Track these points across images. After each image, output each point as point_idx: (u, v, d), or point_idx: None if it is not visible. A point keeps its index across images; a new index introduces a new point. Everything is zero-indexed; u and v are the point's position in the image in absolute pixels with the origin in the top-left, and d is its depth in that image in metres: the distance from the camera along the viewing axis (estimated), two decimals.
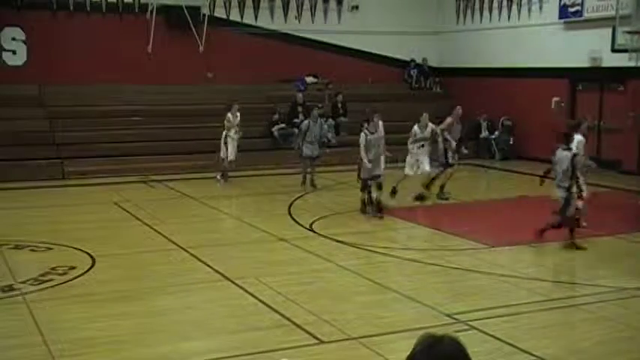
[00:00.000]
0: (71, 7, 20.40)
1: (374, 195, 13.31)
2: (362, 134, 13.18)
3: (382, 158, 13.42)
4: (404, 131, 21.25)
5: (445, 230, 12.07)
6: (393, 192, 14.43)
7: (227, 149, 16.94)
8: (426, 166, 14.43)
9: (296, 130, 20.54)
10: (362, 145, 13.06)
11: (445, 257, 10.45)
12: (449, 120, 15.05)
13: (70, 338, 7.26)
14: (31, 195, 15.66)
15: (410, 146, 14.53)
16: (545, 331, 7.66)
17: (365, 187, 13.36)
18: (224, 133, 17.03)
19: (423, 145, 14.52)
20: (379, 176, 13.26)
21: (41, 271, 9.53)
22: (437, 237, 11.74)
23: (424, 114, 14.71)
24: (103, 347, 7.07)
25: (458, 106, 15.52)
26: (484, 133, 22.06)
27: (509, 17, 22.23)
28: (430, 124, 14.64)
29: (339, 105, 21.59)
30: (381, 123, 13.73)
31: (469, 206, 14.65)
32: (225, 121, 17.12)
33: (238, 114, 17.15)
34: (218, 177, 17.15)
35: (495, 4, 22.70)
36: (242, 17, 22.32)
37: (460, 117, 15.42)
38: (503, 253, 10.96)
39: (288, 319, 7.78)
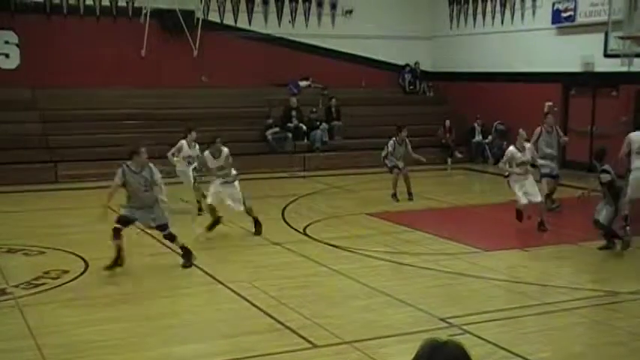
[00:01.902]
0: (65, 11, 20.39)
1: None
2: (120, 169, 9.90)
3: (159, 204, 9.96)
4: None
5: (439, 234, 12.07)
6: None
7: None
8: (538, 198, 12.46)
9: (289, 135, 20.63)
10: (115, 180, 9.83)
11: (439, 261, 10.46)
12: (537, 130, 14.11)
13: (63, 342, 7.24)
14: (24, 198, 15.62)
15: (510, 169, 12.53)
16: (538, 336, 7.68)
17: (116, 231, 9.67)
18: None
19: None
20: (161, 226, 10.01)
21: (34, 275, 9.51)
22: (430, 241, 11.74)
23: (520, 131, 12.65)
24: (96, 351, 7.04)
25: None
26: (477, 138, 22.12)
27: (502, 22, 22.31)
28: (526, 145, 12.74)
29: (333, 109, 21.63)
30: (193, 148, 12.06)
31: (462, 210, 14.67)
32: (170, 153, 13.99)
33: (197, 145, 13.95)
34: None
35: (488, 9, 22.77)
36: (236, 21, 22.33)
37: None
38: (497, 257, 10.98)
39: (281, 323, 7.78)
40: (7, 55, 19.89)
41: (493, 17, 22.64)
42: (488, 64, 22.18)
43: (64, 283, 9.29)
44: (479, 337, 7.31)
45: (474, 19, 23.32)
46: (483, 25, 22.96)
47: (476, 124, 22.18)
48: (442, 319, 7.89)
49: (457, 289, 9.28)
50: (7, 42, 19.85)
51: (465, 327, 7.62)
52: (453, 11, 24.09)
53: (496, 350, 7.05)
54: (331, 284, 9.48)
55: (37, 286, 9.12)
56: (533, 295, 8.99)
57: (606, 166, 10.85)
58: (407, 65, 24.20)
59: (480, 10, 23.08)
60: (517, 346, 7.12)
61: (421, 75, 24.34)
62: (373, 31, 23.15)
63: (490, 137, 21.89)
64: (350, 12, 23.50)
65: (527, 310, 8.36)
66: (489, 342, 7.22)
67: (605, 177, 10.77)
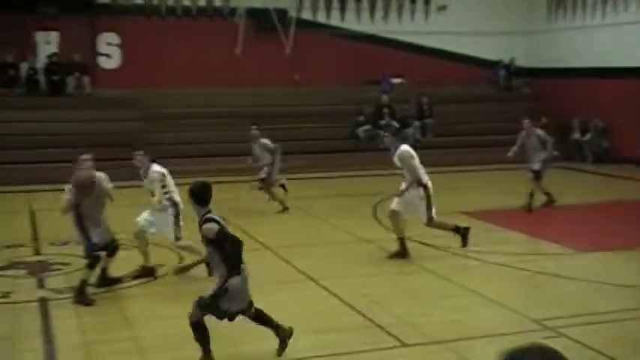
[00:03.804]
0: (163, 12, 21.03)
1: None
2: None
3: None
4: (493, 132, 21.01)
5: (532, 234, 11.80)
6: None
7: None
8: None
9: (381, 132, 20.53)
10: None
11: (532, 262, 10.23)
12: None
13: (159, 334, 7.50)
14: (129, 193, 16.08)
15: None
16: (635, 341, 7.40)
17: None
18: None
19: None
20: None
21: (131, 268, 9.82)
22: (524, 241, 11.50)
23: None
24: (190, 345, 7.17)
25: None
26: (575, 135, 21.44)
27: (604, 15, 21.46)
28: None
29: (425, 106, 21.45)
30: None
31: (557, 210, 14.25)
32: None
33: None
34: None
35: (590, 1, 21.95)
36: (329, 19, 22.43)
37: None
38: (590, 258, 10.63)
39: (371, 320, 7.79)
40: (108, 56, 20.71)
41: (594, 10, 21.82)
42: (588, 59, 21.39)
43: (160, 277, 9.58)
44: (574, 341, 7.11)
45: (574, 12, 22.54)
46: (584, 18, 22.17)
47: (574, 122, 21.48)
48: (535, 321, 7.71)
49: (550, 291, 9.05)
50: (109, 43, 20.68)
51: (558, 329, 7.42)
52: (551, 5, 23.41)
53: (594, 355, 6.84)
54: (422, 283, 9.42)
55: (134, 278, 9.43)
56: (630, 298, 8.66)
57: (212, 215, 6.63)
58: (500, 61, 23.70)
59: (579, 3, 22.31)
60: (611, 350, 6.89)
61: (516, 71, 23.79)
62: (467, 27, 22.79)
63: (589, 135, 21.19)
64: (444, 8, 23.22)
65: (623, 315, 8.07)
66: (585, 345, 7.01)
67: (212, 227, 6.48)
